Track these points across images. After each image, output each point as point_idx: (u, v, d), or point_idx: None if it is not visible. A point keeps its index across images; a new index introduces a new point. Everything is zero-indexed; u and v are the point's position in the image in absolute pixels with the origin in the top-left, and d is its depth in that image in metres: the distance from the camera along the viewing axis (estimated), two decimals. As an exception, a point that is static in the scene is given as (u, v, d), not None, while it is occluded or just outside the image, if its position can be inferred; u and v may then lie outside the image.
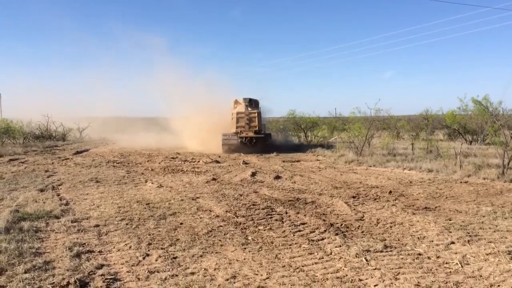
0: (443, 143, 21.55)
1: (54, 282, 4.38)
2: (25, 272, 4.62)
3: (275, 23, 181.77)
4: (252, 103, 23.55)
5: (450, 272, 4.74)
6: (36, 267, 4.81)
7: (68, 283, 4.33)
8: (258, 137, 21.66)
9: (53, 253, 5.36)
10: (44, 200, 8.56)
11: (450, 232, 6.32)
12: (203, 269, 4.82)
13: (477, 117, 23.09)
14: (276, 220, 7.12)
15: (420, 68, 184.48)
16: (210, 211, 7.81)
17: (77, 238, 5.96)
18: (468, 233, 6.27)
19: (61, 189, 10.15)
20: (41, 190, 9.74)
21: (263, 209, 7.93)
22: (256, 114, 22.35)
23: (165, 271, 4.75)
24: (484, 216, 7.31)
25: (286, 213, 7.61)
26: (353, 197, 9.18)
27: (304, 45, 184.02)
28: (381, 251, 5.45)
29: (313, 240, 5.97)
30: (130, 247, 5.63)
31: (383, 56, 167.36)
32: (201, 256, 5.30)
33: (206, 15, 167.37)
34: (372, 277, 4.57)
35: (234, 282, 4.44)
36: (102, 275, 4.60)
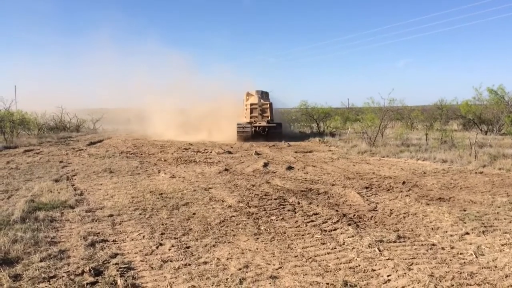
0: (457, 134, 21.27)
1: (69, 271, 4.44)
2: (41, 261, 4.69)
3: (287, 13, 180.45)
4: (263, 95, 25.25)
5: (464, 262, 4.69)
6: (52, 256, 4.88)
7: (83, 272, 4.39)
8: (270, 126, 23.16)
9: (68, 242, 5.43)
10: (58, 190, 8.66)
11: (465, 222, 6.25)
12: (215, 259, 4.85)
13: (493, 107, 22.77)
14: (289, 210, 7.12)
15: (434, 58, 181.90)
16: (222, 201, 7.83)
17: (91, 228, 6.03)
18: (483, 223, 6.19)
19: (75, 179, 10.27)
20: (56, 181, 9.86)
21: (275, 199, 7.93)
22: (268, 105, 24.05)
23: (178, 261, 4.78)
24: (499, 207, 7.21)
25: (299, 203, 7.60)
26: (366, 187, 9.13)
27: (317, 35, 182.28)
28: (394, 242, 5.41)
29: (326, 231, 5.95)
30: (143, 236, 5.68)
31: (396, 45, 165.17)
32: (213, 245, 5.33)
33: (218, 5, 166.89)
34: (385, 268, 4.55)
35: (247, 272, 4.45)
36: (116, 264, 4.65)
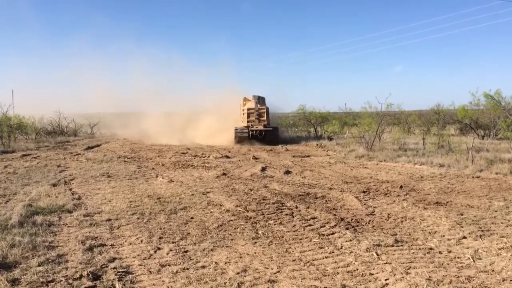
0: (454, 138, 21.35)
1: (67, 275, 4.44)
2: (39, 265, 4.68)
3: (284, 18, 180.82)
4: (260, 100, 26.10)
5: (461, 266, 4.71)
6: (50, 260, 4.87)
7: (81, 276, 4.38)
8: (267, 130, 23.86)
9: (66, 246, 5.43)
10: (56, 194, 8.65)
11: (462, 226, 6.27)
12: (214, 263, 4.85)
13: (489, 111, 22.81)
14: (287, 214, 7.13)
15: (431, 62, 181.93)
16: (220, 205, 7.84)
17: (89, 232, 6.03)
18: (480, 228, 6.22)
19: (73, 183, 10.25)
20: (54, 185, 9.85)
21: (273, 203, 7.94)
22: (265, 110, 24.84)
23: (176, 265, 4.78)
24: (496, 211, 7.24)
25: (297, 207, 7.61)
26: (364, 191, 9.15)
27: (314, 40, 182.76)
28: (392, 246, 5.43)
29: (324, 235, 5.97)
30: (141, 241, 5.68)
31: (393, 50, 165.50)
32: (211, 250, 5.33)
33: (216, 10, 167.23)
34: (383, 271, 4.56)
35: (245, 276, 4.46)
36: (114, 268, 4.64)
